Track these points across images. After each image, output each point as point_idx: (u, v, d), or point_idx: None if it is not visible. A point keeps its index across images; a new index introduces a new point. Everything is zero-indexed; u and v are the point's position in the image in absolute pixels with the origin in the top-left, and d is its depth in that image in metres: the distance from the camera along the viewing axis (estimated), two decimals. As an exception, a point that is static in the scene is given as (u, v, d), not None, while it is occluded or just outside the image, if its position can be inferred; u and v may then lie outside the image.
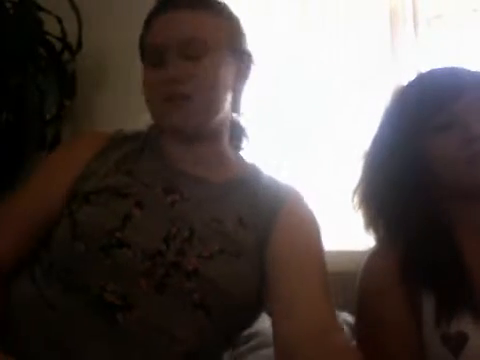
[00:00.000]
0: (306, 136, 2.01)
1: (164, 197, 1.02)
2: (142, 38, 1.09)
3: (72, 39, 2.06)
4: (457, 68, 1.10)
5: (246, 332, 1.18)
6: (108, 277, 0.93)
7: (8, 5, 2.03)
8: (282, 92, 2.10)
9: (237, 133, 1.18)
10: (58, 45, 2.09)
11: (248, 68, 1.11)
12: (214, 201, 1.04)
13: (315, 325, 0.92)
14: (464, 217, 1.05)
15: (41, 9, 2.04)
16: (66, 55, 2.08)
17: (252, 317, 1.06)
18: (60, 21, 2.03)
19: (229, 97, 1.07)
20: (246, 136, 1.20)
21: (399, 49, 2.03)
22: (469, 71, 1.10)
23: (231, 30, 1.08)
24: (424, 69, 1.16)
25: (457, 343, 0.94)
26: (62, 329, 0.93)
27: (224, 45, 1.05)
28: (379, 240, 1.11)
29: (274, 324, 0.97)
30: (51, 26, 2.05)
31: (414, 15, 2.04)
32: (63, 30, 2.03)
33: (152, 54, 1.04)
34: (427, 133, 1.05)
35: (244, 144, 1.20)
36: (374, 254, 1.08)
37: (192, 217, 1.00)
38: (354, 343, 1.07)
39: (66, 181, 1.03)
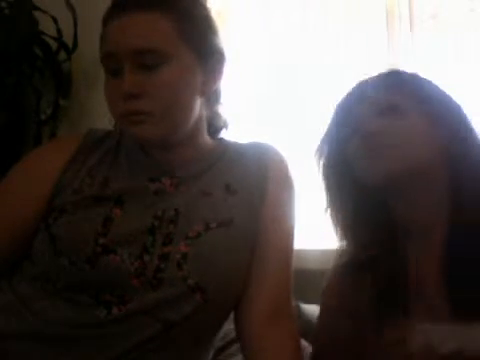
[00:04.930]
0: (306, 136, 2.00)
1: (146, 187, 1.00)
2: (101, 43, 1.01)
3: (68, 39, 2.05)
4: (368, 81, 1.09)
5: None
6: (100, 285, 0.92)
7: (3, 5, 2.02)
8: (280, 92, 2.10)
9: (217, 126, 1.14)
10: (54, 45, 2.09)
11: (219, 66, 1.03)
12: (199, 177, 1.02)
13: (274, 312, 0.98)
14: (403, 217, 1.03)
15: (37, 9, 2.03)
16: (62, 55, 2.07)
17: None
18: (56, 21, 2.03)
19: (198, 101, 1.01)
20: (226, 127, 1.16)
21: (395, 49, 2.03)
22: (376, 78, 1.09)
23: (193, 29, 0.98)
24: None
25: (396, 349, 0.94)
26: (48, 325, 0.93)
27: (185, 48, 0.97)
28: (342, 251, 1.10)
29: (241, 297, 1.00)
30: (47, 26, 2.04)
31: (410, 15, 2.04)
32: (59, 30, 2.03)
33: (108, 63, 0.97)
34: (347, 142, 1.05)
35: (224, 134, 1.17)
36: (334, 267, 1.09)
37: (176, 200, 0.99)
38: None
39: (38, 196, 0.99)
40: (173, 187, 1.01)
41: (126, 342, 0.92)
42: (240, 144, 1.11)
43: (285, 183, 1.07)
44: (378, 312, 0.98)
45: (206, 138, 1.08)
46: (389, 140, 0.99)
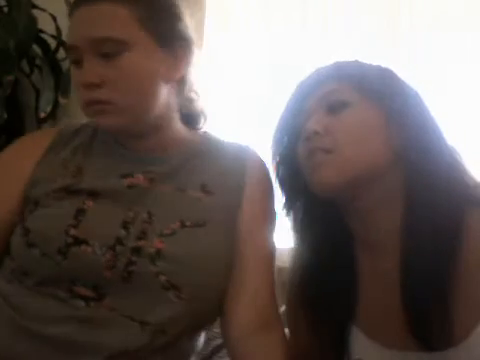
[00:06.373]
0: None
1: (119, 181, 0.99)
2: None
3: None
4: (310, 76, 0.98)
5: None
6: (73, 277, 0.92)
7: (2, 3, 2.02)
8: (280, 92, 2.09)
9: (194, 115, 1.13)
10: (53, 43, 2.08)
11: (184, 53, 1.01)
12: (174, 173, 1.01)
13: (257, 317, 0.97)
14: (355, 230, 0.95)
15: (35, 7, 2.03)
16: (61, 53, 2.07)
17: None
18: (55, 19, 2.02)
19: (164, 88, 0.99)
20: (205, 117, 1.14)
21: (396, 49, 2.03)
22: (317, 73, 0.98)
23: (153, 16, 0.97)
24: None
25: None
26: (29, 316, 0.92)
27: (145, 35, 0.95)
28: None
29: (223, 302, 0.99)
30: (46, 24, 2.04)
31: (412, 15, 2.04)
32: (58, 28, 2.02)
33: (70, 53, 0.97)
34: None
35: (203, 123, 1.15)
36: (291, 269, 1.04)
37: (151, 196, 0.98)
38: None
39: (13, 195, 0.99)
40: (147, 182, 0.99)
41: (105, 341, 0.91)
42: (221, 142, 1.09)
43: (264, 186, 1.06)
44: (331, 342, 0.94)
45: (180, 127, 1.07)
46: (331, 142, 0.88)
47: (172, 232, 0.94)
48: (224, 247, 0.98)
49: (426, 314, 0.84)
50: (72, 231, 0.92)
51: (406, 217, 0.88)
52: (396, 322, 0.87)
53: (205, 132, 1.12)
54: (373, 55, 2.03)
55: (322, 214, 0.97)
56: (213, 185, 1.01)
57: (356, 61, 0.98)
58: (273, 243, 1.04)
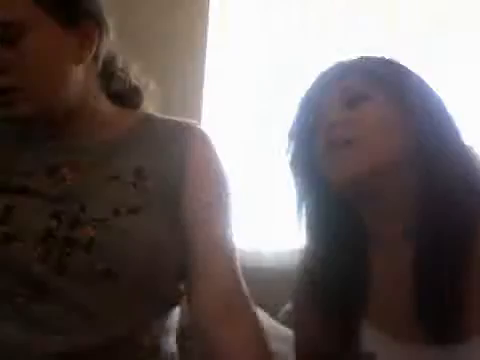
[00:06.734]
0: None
1: (46, 179, 0.94)
2: None
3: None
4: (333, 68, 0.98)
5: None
6: (7, 276, 0.89)
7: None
8: (280, 92, 2.09)
9: (125, 95, 1.06)
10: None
11: (93, 31, 0.96)
12: (105, 160, 0.97)
13: (222, 306, 0.92)
14: (370, 226, 0.94)
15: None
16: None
17: (176, 283, 0.98)
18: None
19: (77, 69, 0.94)
20: (138, 94, 1.07)
21: (397, 49, 2.02)
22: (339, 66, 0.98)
23: None
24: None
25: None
26: None
27: (46, 16, 0.91)
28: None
29: (186, 287, 0.96)
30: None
31: (412, 15, 2.04)
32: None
33: None
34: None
35: (139, 102, 1.08)
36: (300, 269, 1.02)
37: (81, 188, 0.94)
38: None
39: None
40: (75, 174, 0.95)
41: (48, 340, 0.87)
42: (161, 121, 1.03)
43: (209, 166, 1.00)
44: (342, 335, 0.93)
45: (108, 109, 1.02)
46: (352, 132, 0.88)
47: (105, 220, 0.90)
48: (164, 233, 0.93)
49: (440, 308, 0.84)
50: (2, 228, 0.89)
51: (422, 214, 0.88)
52: (408, 316, 0.87)
53: (144, 113, 1.06)
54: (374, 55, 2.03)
55: (336, 210, 0.96)
56: (150, 169, 0.96)
57: (379, 57, 0.99)
58: (228, 227, 0.98)
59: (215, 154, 1.01)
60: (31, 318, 0.88)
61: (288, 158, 0.99)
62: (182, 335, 1.10)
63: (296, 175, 0.99)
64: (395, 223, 0.91)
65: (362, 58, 0.98)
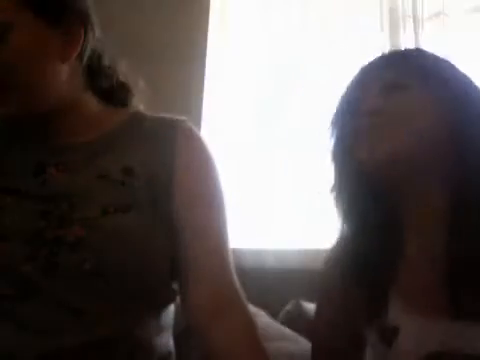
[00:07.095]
0: (306, 135, 2.00)
1: (33, 180, 0.94)
2: None
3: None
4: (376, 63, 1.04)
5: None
6: None
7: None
8: (281, 91, 2.09)
9: (113, 93, 1.06)
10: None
11: (78, 28, 0.95)
12: (92, 158, 0.96)
13: (214, 302, 0.92)
14: (404, 208, 0.98)
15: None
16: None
17: (168, 281, 0.97)
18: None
19: (62, 67, 0.94)
20: (126, 91, 1.07)
21: (399, 48, 2.02)
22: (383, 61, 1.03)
23: None
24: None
25: (390, 336, 0.92)
26: None
27: (28, 14, 0.90)
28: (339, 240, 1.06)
29: (179, 285, 0.96)
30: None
31: (414, 14, 2.04)
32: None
33: None
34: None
35: (128, 100, 1.07)
36: (330, 253, 1.06)
37: (69, 188, 0.93)
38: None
39: None
40: (62, 174, 0.95)
41: (37, 341, 0.86)
42: (150, 119, 1.02)
43: (198, 162, 0.99)
44: (369, 307, 0.95)
45: (95, 107, 1.01)
46: (389, 119, 0.92)
47: (93, 219, 0.90)
48: (154, 231, 0.93)
49: (472, 285, 0.87)
50: None
51: (456, 198, 0.92)
52: (437, 291, 0.90)
53: (131, 110, 1.05)
54: (373, 55, 2.02)
55: (372, 194, 0.99)
56: (139, 167, 0.95)
57: (419, 49, 1.07)
58: (220, 222, 0.98)
59: (205, 149, 1.01)
60: (19, 319, 0.87)
61: (330, 146, 1.04)
62: (183, 333, 1.10)
63: (336, 162, 1.03)
64: (428, 207, 0.94)
65: (403, 51, 1.05)
